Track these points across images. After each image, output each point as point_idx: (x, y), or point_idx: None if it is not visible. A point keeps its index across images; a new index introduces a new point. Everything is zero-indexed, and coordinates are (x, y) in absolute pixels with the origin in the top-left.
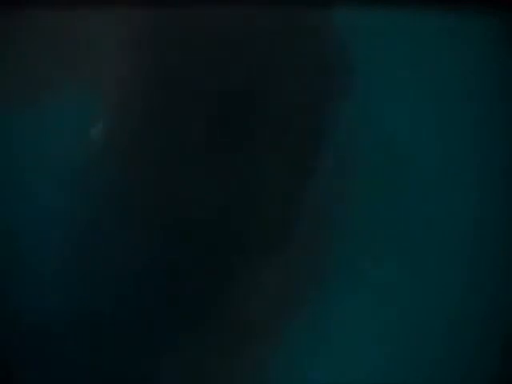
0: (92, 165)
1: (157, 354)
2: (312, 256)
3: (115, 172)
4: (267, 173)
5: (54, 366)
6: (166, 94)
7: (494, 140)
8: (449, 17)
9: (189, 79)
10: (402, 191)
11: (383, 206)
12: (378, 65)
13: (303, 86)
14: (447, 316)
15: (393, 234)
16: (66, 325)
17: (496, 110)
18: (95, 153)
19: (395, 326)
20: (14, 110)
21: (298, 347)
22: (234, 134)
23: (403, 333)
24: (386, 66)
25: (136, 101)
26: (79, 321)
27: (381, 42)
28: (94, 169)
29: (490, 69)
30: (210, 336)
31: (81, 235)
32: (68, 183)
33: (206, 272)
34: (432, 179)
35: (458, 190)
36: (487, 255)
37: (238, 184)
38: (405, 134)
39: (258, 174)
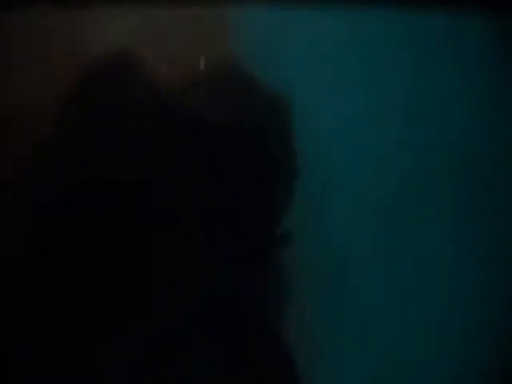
0: None
1: None
2: None
3: None
4: None
5: None
6: None
7: (493, 140)
8: (444, 19)
9: None
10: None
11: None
12: (375, 65)
13: None
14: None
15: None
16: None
17: (492, 112)
18: None
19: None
20: None
21: None
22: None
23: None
24: (382, 67)
25: None
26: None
27: (378, 43)
28: None
29: (485, 71)
30: None
31: None
32: None
33: None
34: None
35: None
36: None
37: None
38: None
39: None
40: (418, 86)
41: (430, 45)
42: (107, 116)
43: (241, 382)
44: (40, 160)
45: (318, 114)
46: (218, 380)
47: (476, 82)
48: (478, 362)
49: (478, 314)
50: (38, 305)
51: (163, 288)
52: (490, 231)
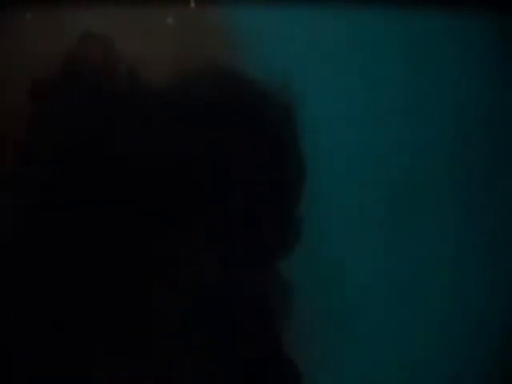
0: None
1: None
2: None
3: None
4: None
5: None
6: None
7: (493, 140)
8: (445, 19)
9: None
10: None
11: None
12: (375, 65)
13: None
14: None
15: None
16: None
17: (493, 112)
18: None
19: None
20: None
21: None
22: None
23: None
24: (382, 67)
25: None
26: None
27: (377, 43)
28: None
29: (485, 71)
30: None
31: None
32: None
33: None
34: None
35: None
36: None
37: None
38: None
39: None
40: (417, 86)
41: (430, 45)
42: (103, 109)
43: (240, 382)
44: (31, 160)
45: (317, 113)
46: (218, 380)
47: (476, 82)
48: (478, 362)
49: (478, 314)
50: (35, 302)
51: (163, 288)
52: (490, 231)
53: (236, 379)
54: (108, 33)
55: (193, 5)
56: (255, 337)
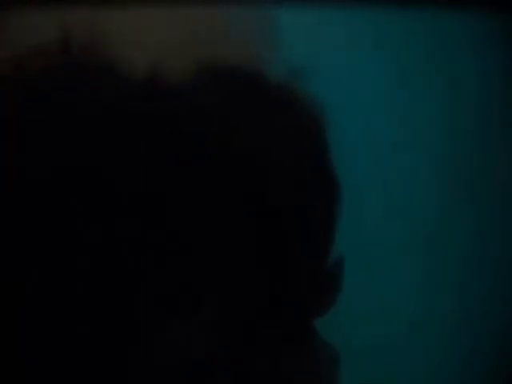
0: None
1: None
2: None
3: None
4: None
5: None
6: None
7: (493, 140)
8: (444, 18)
9: None
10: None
11: None
12: (374, 65)
13: None
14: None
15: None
16: None
17: (494, 111)
18: None
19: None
20: None
21: None
22: None
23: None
24: (381, 67)
25: None
26: None
27: (377, 44)
28: None
29: (487, 70)
30: None
31: None
32: None
33: None
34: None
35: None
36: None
37: None
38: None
39: None
40: (419, 87)
41: (430, 44)
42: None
43: None
44: None
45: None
46: None
47: (477, 82)
48: (479, 362)
49: (479, 314)
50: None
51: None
52: (493, 232)
53: None
54: (108, 33)
55: None
56: None
